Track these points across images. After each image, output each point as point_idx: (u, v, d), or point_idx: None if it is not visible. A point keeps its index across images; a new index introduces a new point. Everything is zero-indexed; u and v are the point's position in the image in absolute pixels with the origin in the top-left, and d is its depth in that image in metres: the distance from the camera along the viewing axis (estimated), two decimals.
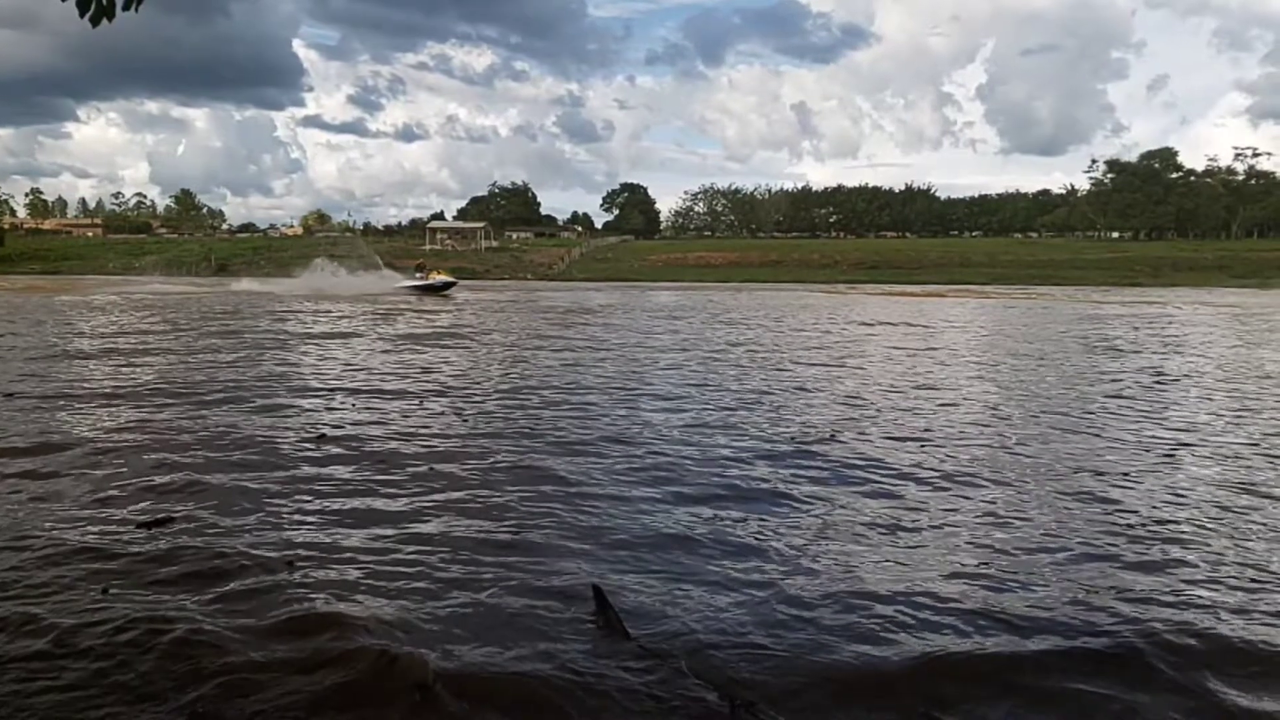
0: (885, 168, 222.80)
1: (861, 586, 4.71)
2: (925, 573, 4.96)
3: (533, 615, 4.24)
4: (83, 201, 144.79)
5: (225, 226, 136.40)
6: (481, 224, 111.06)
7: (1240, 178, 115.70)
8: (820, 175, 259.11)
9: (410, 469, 7.27)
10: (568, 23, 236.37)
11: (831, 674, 3.74)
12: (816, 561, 5.12)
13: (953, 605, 4.46)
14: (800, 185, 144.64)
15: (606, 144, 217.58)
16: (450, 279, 47.29)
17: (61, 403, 10.37)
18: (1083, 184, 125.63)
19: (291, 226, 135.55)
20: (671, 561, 5.08)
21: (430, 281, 46.00)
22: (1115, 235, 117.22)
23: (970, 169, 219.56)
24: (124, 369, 13.66)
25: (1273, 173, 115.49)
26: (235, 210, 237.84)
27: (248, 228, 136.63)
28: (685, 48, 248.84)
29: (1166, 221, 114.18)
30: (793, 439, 8.76)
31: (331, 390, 11.74)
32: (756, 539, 5.54)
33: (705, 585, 4.70)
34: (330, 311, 30.22)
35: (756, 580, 4.79)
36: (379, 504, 6.24)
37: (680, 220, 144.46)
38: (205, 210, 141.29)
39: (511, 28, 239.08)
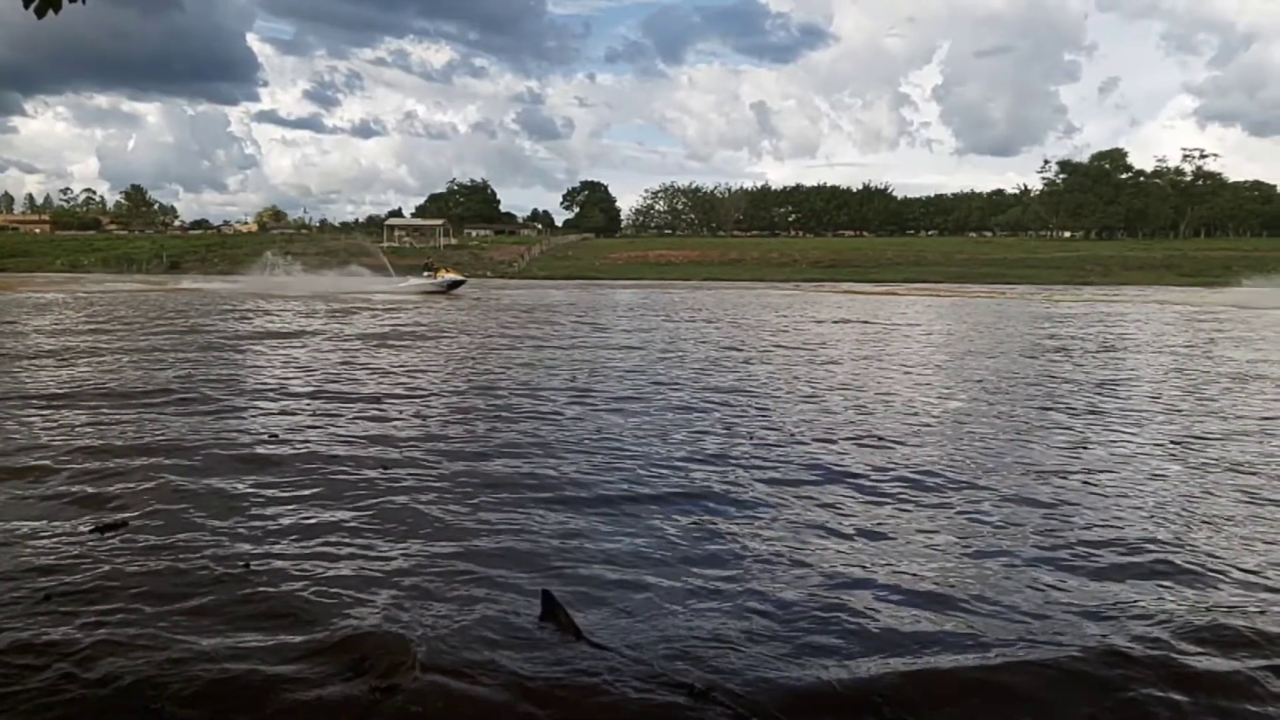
0: (844, 167, 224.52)
1: (812, 589, 4.74)
2: (885, 575, 5.01)
3: (489, 617, 4.20)
4: (30, 198, 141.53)
5: (177, 223, 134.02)
6: (440, 221, 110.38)
7: (1188, 178, 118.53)
8: (780, 174, 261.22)
9: (365, 472, 7.18)
10: (527, 19, 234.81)
11: (783, 673, 3.73)
12: (772, 564, 5.14)
13: (914, 608, 4.51)
14: (760, 184, 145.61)
15: (567, 141, 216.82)
16: (459, 277, 46.90)
17: (12, 404, 10.10)
18: (1036, 184, 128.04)
19: (246, 223, 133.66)
20: (629, 564, 5.07)
21: (439, 280, 45.26)
22: (1067, 234, 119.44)
23: (926, 169, 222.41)
24: (74, 370, 13.35)
25: (1219, 174, 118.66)
26: (188, 207, 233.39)
27: (201, 224, 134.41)
28: (645, 46, 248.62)
29: (1117, 221, 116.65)
30: (754, 439, 8.81)
31: (286, 393, 11.57)
32: (715, 543, 5.55)
33: (659, 587, 4.68)
34: (286, 310, 29.78)
35: (712, 583, 4.80)
36: (333, 506, 6.17)
37: (641, 218, 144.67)
38: (156, 206, 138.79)
39: (471, 24, 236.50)
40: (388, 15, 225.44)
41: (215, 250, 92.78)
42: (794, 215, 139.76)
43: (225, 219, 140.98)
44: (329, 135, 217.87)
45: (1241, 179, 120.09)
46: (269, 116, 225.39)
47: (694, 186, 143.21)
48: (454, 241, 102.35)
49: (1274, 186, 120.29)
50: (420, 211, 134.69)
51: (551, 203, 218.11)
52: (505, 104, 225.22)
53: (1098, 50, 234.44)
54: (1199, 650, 4.00)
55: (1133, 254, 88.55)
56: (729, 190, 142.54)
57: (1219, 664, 3.88)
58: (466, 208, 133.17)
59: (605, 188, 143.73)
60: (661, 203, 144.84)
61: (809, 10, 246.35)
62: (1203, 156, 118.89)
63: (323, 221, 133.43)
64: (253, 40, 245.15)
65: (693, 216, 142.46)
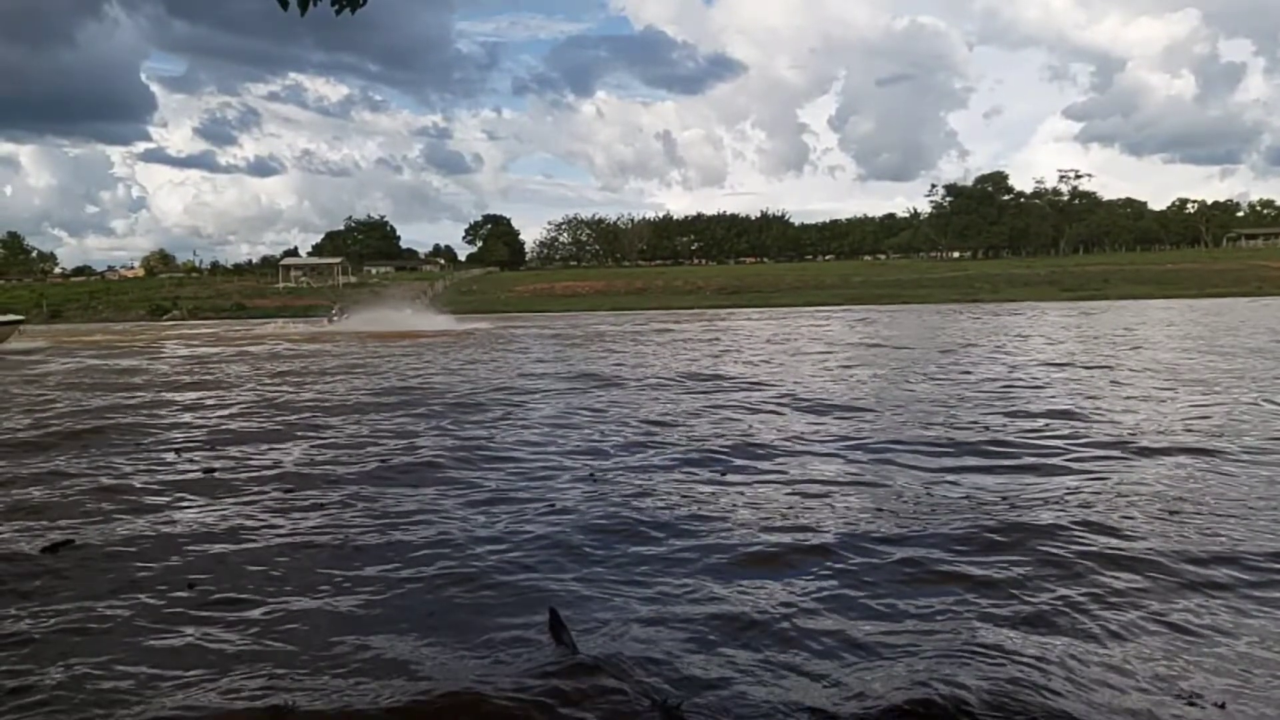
0: (749, 195, 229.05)
1: (797, 613, 4.72)
2: (849, 598, 5.01)
3: (483, 637, 4.12)
4: None
5: (57, 270, 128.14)
6: (338, 259, 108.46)
7: (1065, 198, 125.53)
8: (689, 204, 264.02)
9: (309, 496, 6.96)
10: (431, 52, 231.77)
11: (760, 685, 3.72)
12: (753, 578, 5.15)
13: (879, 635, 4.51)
14: (661, 214, 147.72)
15: (475, 175, 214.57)
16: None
17: None
18: (925, 207, 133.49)
19: (132, 268, 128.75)
20: (624, 584, 5.02)
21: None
22: (956, 255, 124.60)
23: (829, 195, 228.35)
24: None
25: (1094, 193, 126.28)
26: (73, 253, 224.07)
27: (83, 270, 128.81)
28: (553, 78, 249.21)
29: (1001, 240, 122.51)
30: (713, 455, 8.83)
31: (203, 435, 11.12)
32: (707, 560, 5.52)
33: (649, 603, 4.63)
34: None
35: (703, 601, 4.76)
36: (280, 527, 6.00)
37: (545, 250, 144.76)
38: (35, 254, 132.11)
39: (371, 57, 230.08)
40: (284, 49, 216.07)
41: (99, 297, 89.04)
42: (696, 244, 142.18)
43: (111, 264, 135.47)
44: (223, 174, 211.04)
45: (1116, 197, 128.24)
46: (156, 155, 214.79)
47: (597, 218, 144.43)
48: (354, 280, 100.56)
49: (1145, 203, 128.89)
50: (317, 250, 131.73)
51: (457, 237, 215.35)
52: (409, 138, 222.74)
53: (984, 79, 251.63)
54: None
55: (1018, 271, 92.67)
56: (632, 221, 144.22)
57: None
58: (365, 244, 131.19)
59: (509, 221, 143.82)
60: (566, 234, 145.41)
61: (715, 42, 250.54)
62: (1078, 177, 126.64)
63: (214, 263, 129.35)
64: (145, 77, 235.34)
65: (597, 247, 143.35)
